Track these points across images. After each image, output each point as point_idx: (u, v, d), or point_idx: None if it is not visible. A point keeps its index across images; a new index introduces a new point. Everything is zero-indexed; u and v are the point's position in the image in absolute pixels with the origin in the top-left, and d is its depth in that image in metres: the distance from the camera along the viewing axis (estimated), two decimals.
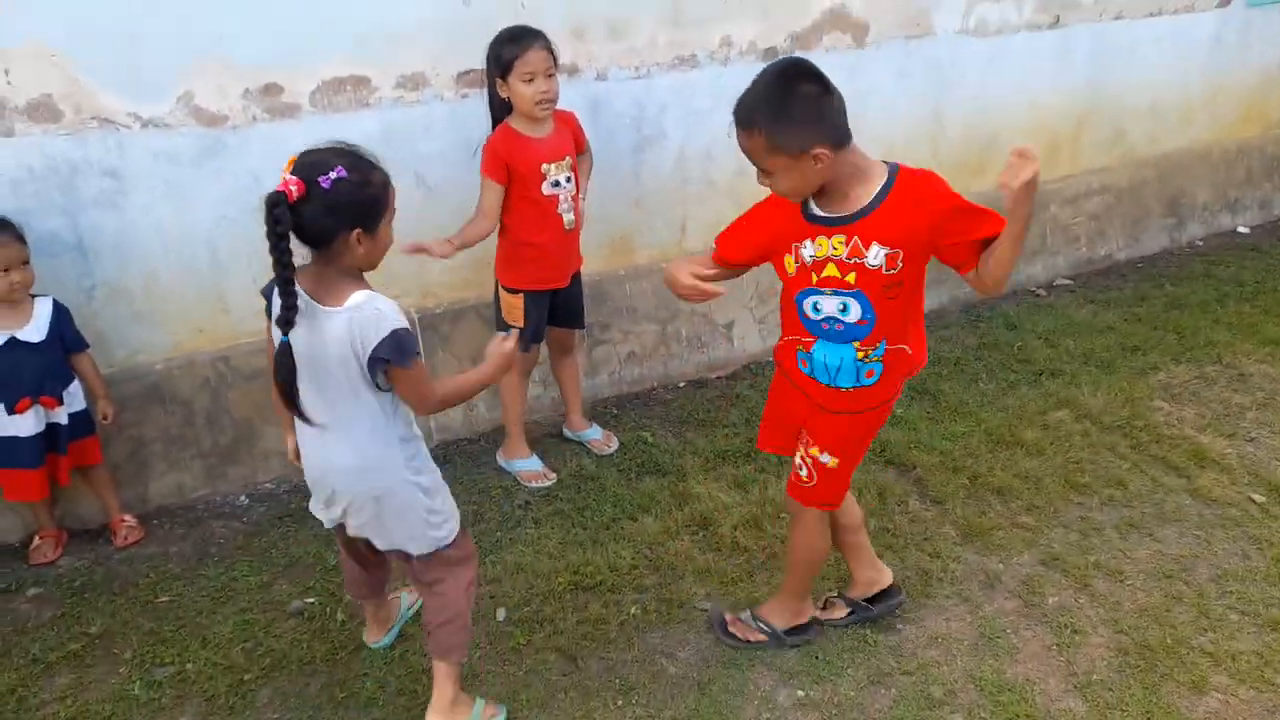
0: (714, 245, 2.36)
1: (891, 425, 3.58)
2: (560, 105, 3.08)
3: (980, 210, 2.06)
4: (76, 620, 2.77)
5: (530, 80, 2.91)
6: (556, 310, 3.31)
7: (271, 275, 1.97)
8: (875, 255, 2.08)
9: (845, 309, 2.16)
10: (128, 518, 3.16)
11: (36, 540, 3.07)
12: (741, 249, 2.31)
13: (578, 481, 3.34)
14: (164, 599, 2.85)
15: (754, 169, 2.10)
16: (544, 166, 3.02)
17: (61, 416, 2.96)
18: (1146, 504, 3.14)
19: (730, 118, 2.08)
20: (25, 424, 2.88)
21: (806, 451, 2.37)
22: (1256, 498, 3.15)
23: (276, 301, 1.96)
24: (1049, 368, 4.01)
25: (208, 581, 2.92)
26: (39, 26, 2.77)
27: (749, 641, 2.60)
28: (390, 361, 1.99)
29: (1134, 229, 5.25)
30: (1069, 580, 2.81)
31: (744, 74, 4.31)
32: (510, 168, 3.00)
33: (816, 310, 2.19)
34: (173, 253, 3.13)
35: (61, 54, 2.81)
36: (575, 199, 3.14)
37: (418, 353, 2.04)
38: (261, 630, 2.71)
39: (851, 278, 2.12)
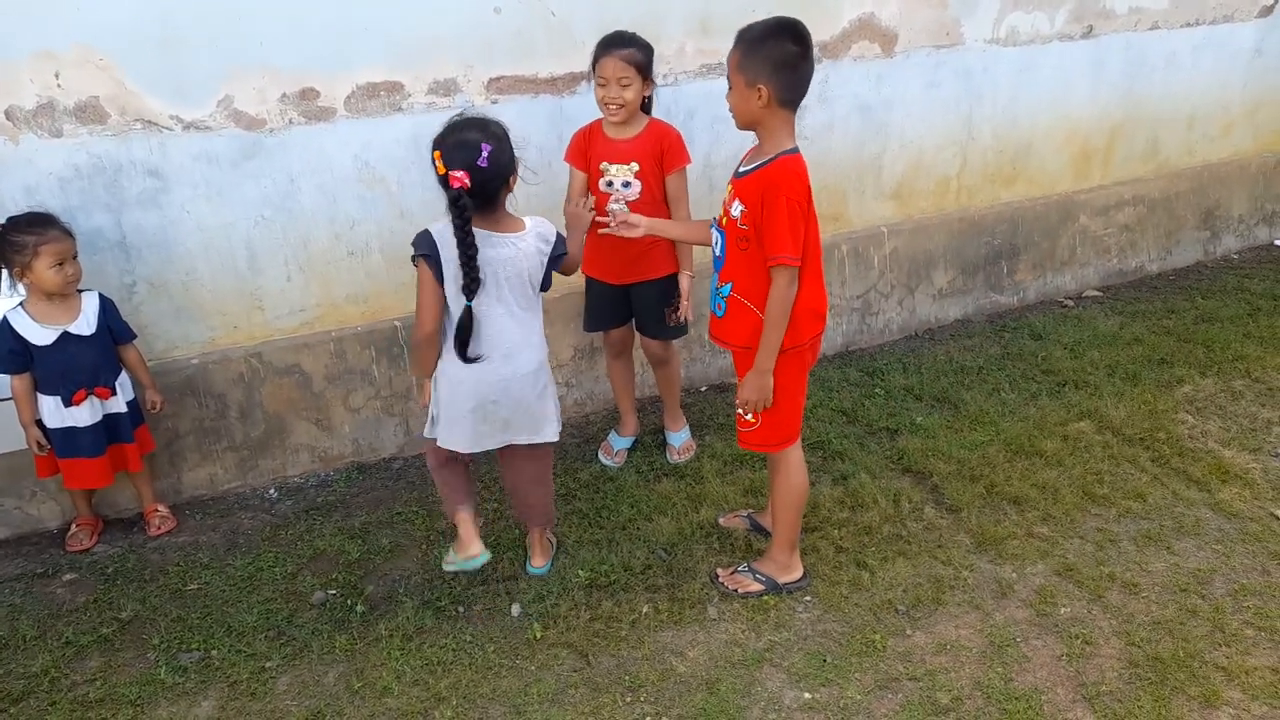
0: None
1: (910, 432, 3.60)
2: (598, 113, 3.13)
3: (776, 235, 2.36)
4: (109, 605, 2.88)
5: (603, 85, 3.03)
6: (631, 311, 3.39)
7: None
8: (735, 208, 2.48)
9: (717, 243, 2.59)
10: (161, 507, 3.26)
11: (74, 528, 3.19)
12: None
13: (597, 482, 3.39)
14: (192, 587, 2.95)
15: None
16: (603, 164, 3.12)
17: (120, 406, 3.07)
18: (1165, 517, 3.13)
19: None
20: (83, 415, 3.00)
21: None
22: (1279, 513, 3.12)
23: (455, 270, 2.39)
24: (1073, 379, 3.99)
25: (235, 571, 3.01)
26: (88, 32, 2.88)
27: (746, 593, 2.81)
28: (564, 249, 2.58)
29: (1167, 241, 5.20)
30: (1082, 591, 2.81)
31: None
32: (586, 156, 3.16)
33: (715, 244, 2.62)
34: (211, 250, 3.24)
35: (109, 59, 2.93)
36: (632, 206, 3.14)
37: None
38: (284, 620, 2.79)
39: (724, 220, 2.56)
